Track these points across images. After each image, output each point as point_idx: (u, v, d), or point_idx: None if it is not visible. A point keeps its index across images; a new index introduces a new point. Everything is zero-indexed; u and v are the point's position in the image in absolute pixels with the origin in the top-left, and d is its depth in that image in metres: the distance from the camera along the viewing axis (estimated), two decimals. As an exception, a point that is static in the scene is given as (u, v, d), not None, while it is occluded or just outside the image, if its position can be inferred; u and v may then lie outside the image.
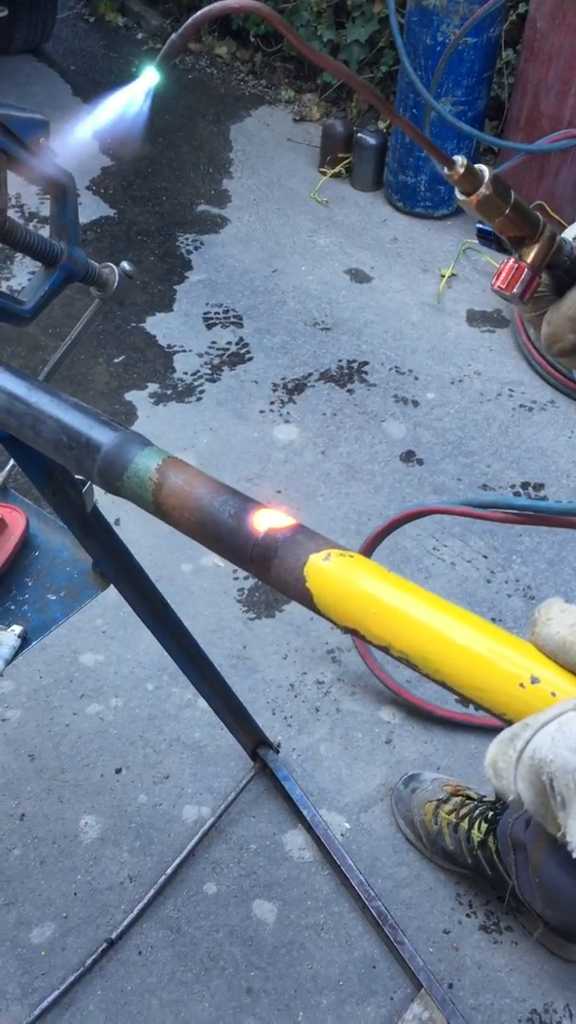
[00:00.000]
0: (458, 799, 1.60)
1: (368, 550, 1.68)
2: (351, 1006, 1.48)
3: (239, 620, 1.98)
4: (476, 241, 3.10)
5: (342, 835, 1.66)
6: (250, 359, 2.64)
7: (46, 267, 1.03)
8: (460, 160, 0.63)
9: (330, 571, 0.51)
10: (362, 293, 2.94)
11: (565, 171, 2.93)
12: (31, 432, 0.64)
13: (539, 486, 2.32)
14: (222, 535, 0.54)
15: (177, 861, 1.60)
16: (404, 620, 0.47)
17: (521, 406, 2.54)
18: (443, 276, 2.99)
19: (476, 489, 2.29)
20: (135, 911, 1.54)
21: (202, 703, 1.81)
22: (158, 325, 2.73)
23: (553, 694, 0.42)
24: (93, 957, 1.49)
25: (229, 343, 2.69)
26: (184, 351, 2.64)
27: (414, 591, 0.49)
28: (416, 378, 2.61)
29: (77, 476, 1.03)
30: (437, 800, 1.61)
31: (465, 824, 1.54)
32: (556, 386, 2.60)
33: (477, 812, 1.55)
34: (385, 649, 0.48)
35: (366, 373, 2.62)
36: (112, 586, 1.26)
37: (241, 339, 2.71)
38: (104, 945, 1.50)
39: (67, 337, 1.15)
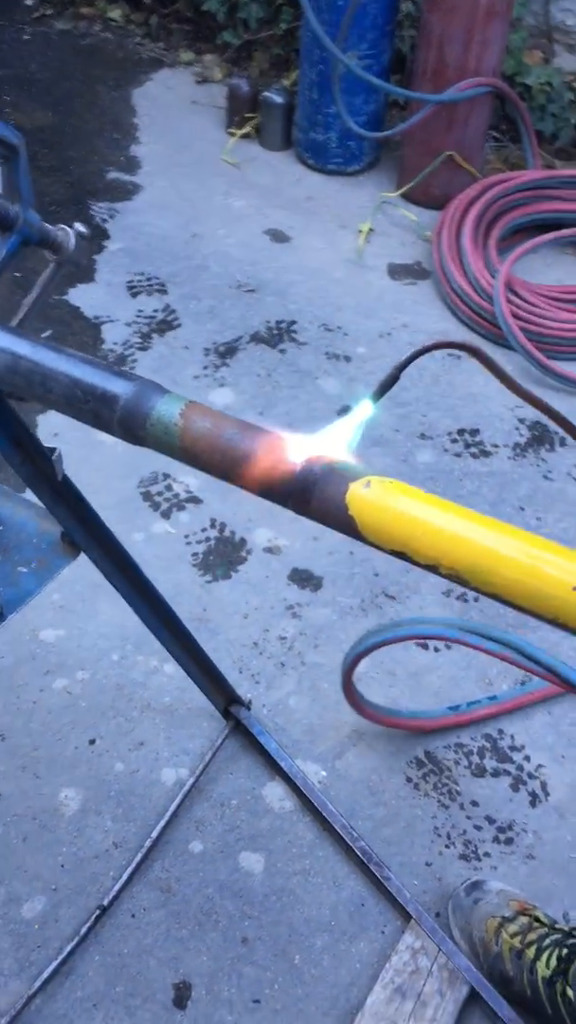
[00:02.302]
0: (525, 920, 1.46)
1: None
2: (344, 944, 1.52)
3: (196, 584, 1.99)
4: (391, 195, 3.13)
5: (319, 782, 1.70)
6: (179, 325, 2.63)
7: (0, 232, 1.01)
8: None
9: (372, 498, 0.52)
10: (283, 253, 2.94)
11: (474, 120, 2.97)
12: (41, 390, 0.64)
13: (474, 431, 2.38)
14: (258, 478, 0.56)
15: (161, 823, 1.61)
16: (451, 538, 0.49)
17: (450, 355, 2.59)
18: (361, 232, 3.01)
19: (414, 439, 2.33)
20: (124, 876, 1.55)
21: (169, 668, 1.82)
22: (81, 296, 2.69)
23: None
24: (88, 925, 1.50)
25: (156, 311, 2.67)
26: (111, 321, 2.62)
27: (457, 510, 0.51)
28: (345, 334, 2.64)
29: (49, 447, 1.03)
30: (501, 918, 1.47)
31: (531, 952, 1.40)
32: (482, 333, 2.66)
33: (548, 942, 1.41)
34: (434, 568, 0.50)
35: (295, 332, 2.63)
36: (76, 558, 1.26)
37: (167, 306, 2.69)
38: (97, 912, 1.51)
39: (22, 304, 1.13)
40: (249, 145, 3.44)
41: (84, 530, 1.21)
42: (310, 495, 0.54)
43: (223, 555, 2.04)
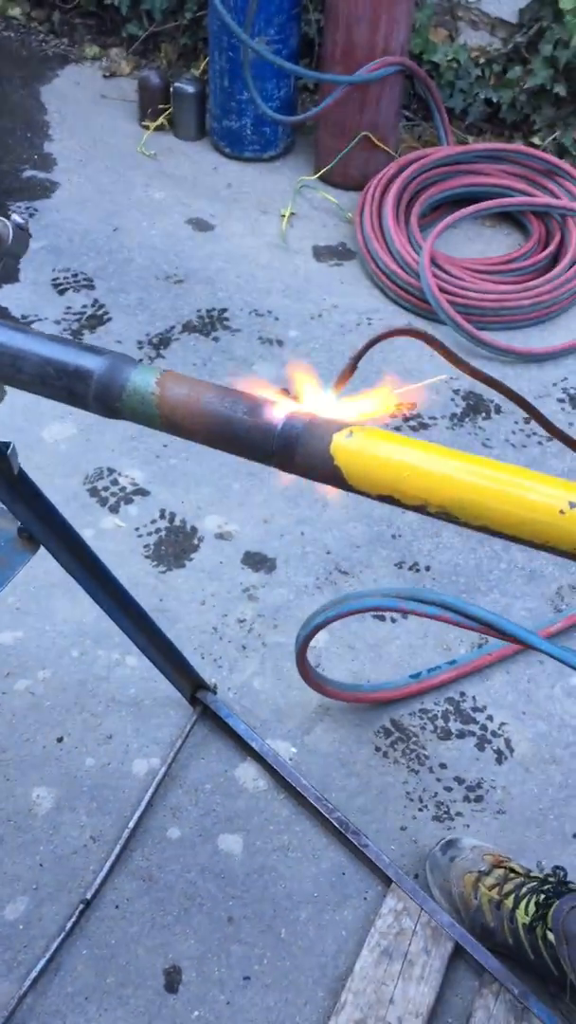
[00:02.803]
0: (501, 872, 1.50)
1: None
2: (328, 914, 1.55)
3: (151, 575, 1.98)
4: (309, 179, 3.15)
5: (291, 759, 1.72)
6: (109, 320, 2.61)
7: None
8: None
9: (356, 447, 0.54)
10: (207, 241, 2.94)
11: (385, 100, 3.00)
12: (11, 371, 0.64)
13: (412, 405, 2.41)
14: (239, 435, 0.57)
15: (137, 813, 1.61)
16: (437, 478, 0.51)
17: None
18: (283, 216, 3.02)
19: (354, 416, 2.36)
20: (105, 868, 1.55)
21: (131, 661, 1.82)
22: (7, 297, 2.66)
23: (596, 511, 0.47)
24: (72, 920, 1.49)
25: (85, 306, 2.65)
26: (40, 319, 2.59)
27: (440, 450, 0.53)
28: (276, 318, 2.65)
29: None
30: (478, 872, 1.51)
31: (509, 902, 1.45)
32: (410, 309, 2.69)
33: (524, 890, 1.45)
34: (422, 508, 0.52)
35: (227, 320, 2.64)
36: (35, 553, 1.26)
37: (96, 301, 2.67)
38: (81, 906, 1.51)
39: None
40: (164, 137, 3.42)
41: (43, 524, 1.21)
42: (293, 451, 0.55)
43: (175, 545, 2.04)
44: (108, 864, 1.56)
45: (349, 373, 0.60)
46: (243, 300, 2.71)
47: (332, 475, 0.55)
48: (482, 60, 3.29)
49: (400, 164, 2.92)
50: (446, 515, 0.51)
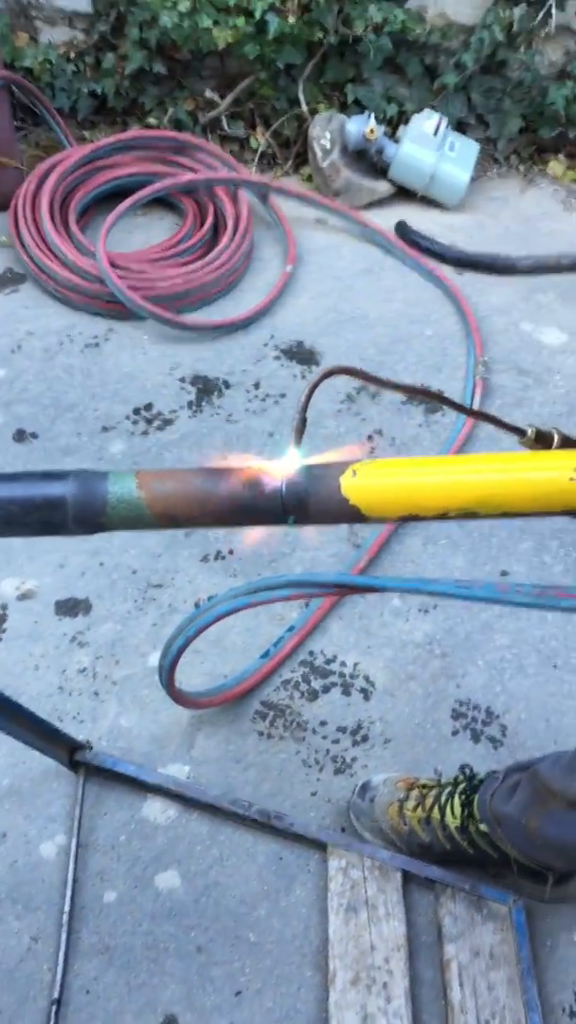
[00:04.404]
0: (416, 792, 1.63)
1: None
2: (283, 900, 1.61)
3: (-30, 662, 1.89)
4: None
5: (188, 778, 1.74)
6: None
7: None
8: (531, 430, 0.71)
9: (365, 483, 0.59)
10: None
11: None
12: (-31, 523, 0.62)
13: (148, 406, 2.44)
14: (249, 509, 0.59)
15: (68, 894, 1.57)
16: (452, 486, 0.57)
17: (87, 345, 2.61)
18: None
19: (98, 435, 2.35)
20: (60, 961, 1.51)
21: (-10, 753, 1.74)
22: None
23: (597, 472, 0.56)
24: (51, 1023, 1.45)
25: None
26: None
27: (438, 461, 0.59)
28: (-24, 363, 2.55)
29: None
30: (397, 800, 1.63)
31: (436, 813, 1.57)
32: (104, 315, 2.69)
33: (443, 797, 1.58)
34: (443, 516, 0.58)
35: None
36: None
37: None
38: (54, 1007, 1.46)
39: None
40: None
41: None
42: (307, 505, 0.59)
43: (-19, 622, 1.95)
44: (61, 956, 1.52)
45: (302, 427, 0.63)
46: None
47: (351, 515, 0.59)
48: (72, 55, 3.29)
49: (39, 175, 2.88)
50: (468, 515, 0.58)
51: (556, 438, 0.78)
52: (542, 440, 0.77)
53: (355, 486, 0.59)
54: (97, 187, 2.95)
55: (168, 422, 2.40)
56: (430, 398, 0.73)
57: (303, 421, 0.64)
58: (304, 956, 1.55)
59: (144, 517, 0.61)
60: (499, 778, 1.53)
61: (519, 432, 0.76)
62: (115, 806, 1.70)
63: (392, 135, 3.21)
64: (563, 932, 1.59)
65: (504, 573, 2.11)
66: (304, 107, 3.26)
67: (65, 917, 1.55)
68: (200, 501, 0.60)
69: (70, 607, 1.99)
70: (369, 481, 0.59)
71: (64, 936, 1.53)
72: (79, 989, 1.50)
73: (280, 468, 0.60)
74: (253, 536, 1.92)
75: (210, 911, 1.59)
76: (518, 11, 3.07)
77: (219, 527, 0.61)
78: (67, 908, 1.56)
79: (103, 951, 1.54)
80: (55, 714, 1.81)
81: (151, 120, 3.33)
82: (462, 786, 1.58)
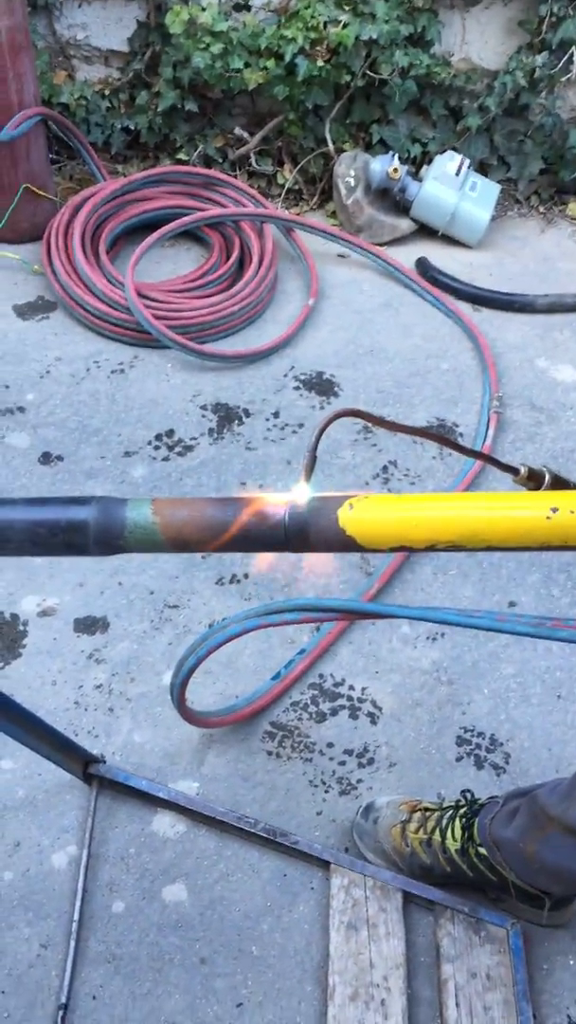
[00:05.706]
0: (419, 814, 1.67)
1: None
2: (286, 915, 1.65)
3: (-9, 675, 1.96)
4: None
5: (197, 794, 1.79)
6: None
7: None
8: (523, 469, 0.79)
9: (361, 515, 0.65)
10: None
11: (35, 150, 3.03)
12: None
13: (170, 432, 2.51)
14: (254, 536, 0.66)
15: (78, 903, 1.63)
16: (440, 521, 0.63)
17: (113, 372, 2.69)
18: (-30, 284, 2.98)
19: (121, 459, 2.42)
20: (68, 968, 1.56)
21: (6, 764, 1.81)
22: None
23: (571, 511, 0.62)
24: (59, 1029, 1.49)
25: None
26: None
27: (428, 498, 0.65)
28: (6, 387, 2.64)
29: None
30: (400, 822, 1.67)
31: (437, 836, 1.61)
32: (130, 342, 2.78)
33: (445, 820, 1.62)
34: (431, 548, 0.64)
35: (-43, 401, 2.59)
36: None
37: None
38: (61, 1012, 1.51)
39: None
40: None
41: None
42: (306, 534, 0.65)
43: (2, 637, 2.02)
44: (69, 963, 1.57)
45: (311, 465, 0.69)
46: (-35, 378, 2.67)
47: (347, 544, 0.65)
48: (107, 92, 3.40)
49: (72, 207, 2.98)
50: (454, 548, 0.64)
51: (547, 477, 0.84)
52: (534, 478, 0.84)
53: (352, 519, 0.65)
54: (128, 219, 3.05)
55: (189, 448, 2.48)
56: (430, 439, 0.79)
57: (313, 459, 0.70)
58: (305, 971, 1.59)
59: (157, 542, 0.68)
60: (499, 803, 1.58)
61: (512, 471, 0.83)
62: (126, 819, 1.75)
63: (415, 174, 3.30)
64: (559, 956, 1.63)
65: (512, 604, 2.16)
66: (330, 146, 3.36)
67: (74, 925, 1.61)
68: (209, 528, 0.66)
69: (88, 625, 2.05)
70: (364, 514, 0.65)
71: (73, 944, 1.59)
72: (86, 995, 1.55)
73: (285, 499, 0.66)
74: (265, 561, 1.99)
75: (215, 924, 1.63)
76: (540, 58, 3.16)
77: (223, 552, 0.68)
78: (76, 917, 1.61)
79: (110, 959, 1.59)
80: (71, 728, 1.87)
81: (182, 156, 3.44)
82: (463, 810, 1.63)
